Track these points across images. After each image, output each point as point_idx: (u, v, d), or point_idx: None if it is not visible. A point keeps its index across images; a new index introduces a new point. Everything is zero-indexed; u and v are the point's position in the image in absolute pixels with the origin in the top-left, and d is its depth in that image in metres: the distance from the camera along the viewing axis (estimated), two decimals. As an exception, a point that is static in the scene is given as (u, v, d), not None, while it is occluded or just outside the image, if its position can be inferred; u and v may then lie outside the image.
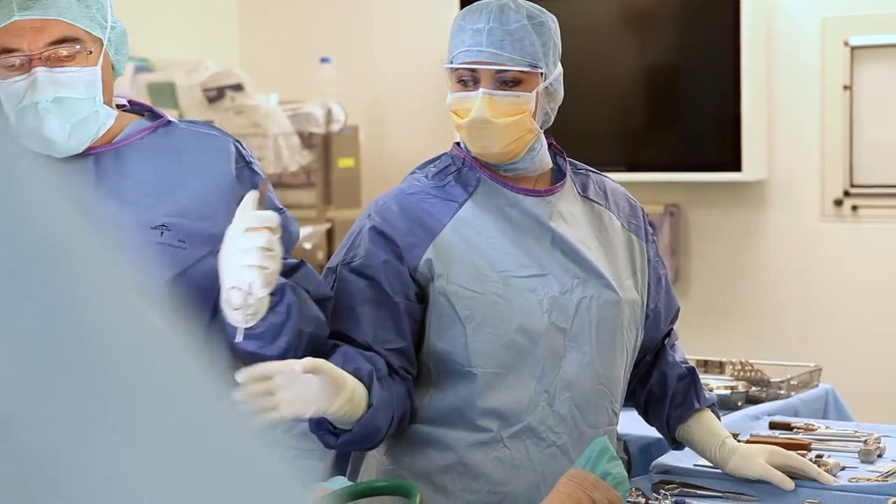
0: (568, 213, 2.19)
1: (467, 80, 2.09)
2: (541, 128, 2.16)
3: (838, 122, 4.34)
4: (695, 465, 2.42)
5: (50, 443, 0.47)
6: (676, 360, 2.38)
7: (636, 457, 2.59)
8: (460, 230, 2.12)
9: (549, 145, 2.23)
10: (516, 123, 2.09)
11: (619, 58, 4.53)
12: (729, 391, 2.92)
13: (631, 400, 2.39)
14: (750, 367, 3.05)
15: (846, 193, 4.35)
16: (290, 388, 1.83)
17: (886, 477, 2.28)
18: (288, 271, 2.00)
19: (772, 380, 3.00)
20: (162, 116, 2.05)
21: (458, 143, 2.24)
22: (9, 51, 1.88)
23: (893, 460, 2.41)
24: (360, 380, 1.97)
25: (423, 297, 2.11)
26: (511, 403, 2.10)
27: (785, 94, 4.41)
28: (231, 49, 5.33)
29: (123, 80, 4.75)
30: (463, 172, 2.18)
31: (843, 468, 2.35)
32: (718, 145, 4.40)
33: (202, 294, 1.96)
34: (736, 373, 3.06)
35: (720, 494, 2.25)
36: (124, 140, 1.98)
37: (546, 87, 2.13)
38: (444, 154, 2.25)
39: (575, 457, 2.07)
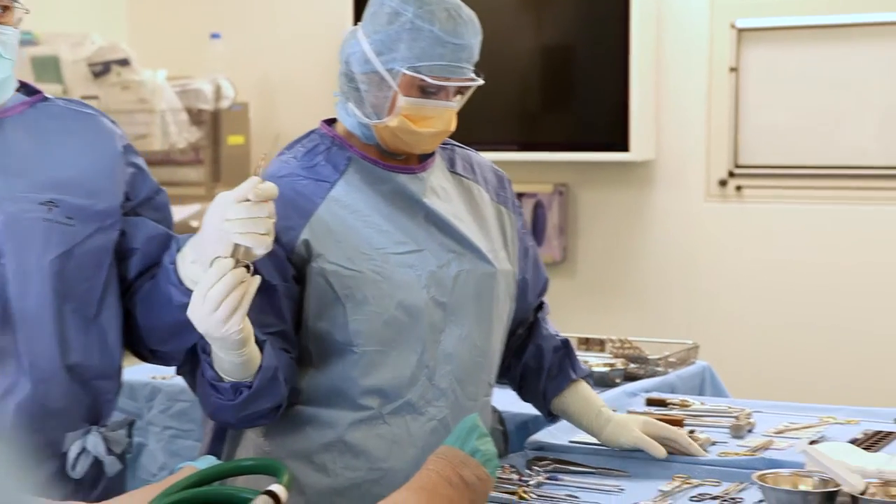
0: (440, 188, 2.19)
1: (432, 89, 2.07)
2: None
3: (724, 104, 4.40)
4: (570, 441, 2.44)
5: None
6: (550, 333, 2.42)
7: (513, 434, 2.61)
8: (334, 210, 2.11)
9: None
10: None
11: (514, 38, 4.53)
12: (608, 368, 2.95)
13: (505, 375, 2.40)
14: (629, 345, 3.09)
15: (731, 174, 4.42)
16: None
17: (755, 451, 2.33)
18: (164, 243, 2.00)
19: (650, 357, 3.04)
20: (38, 91, 2.02)
21: (326, 122, 2.22)
22: None
23: (763, 435, 2.46)
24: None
25: (300, 278, 2.10)
26: (392, 380, 2.10)
27: (673, 75, 4.45)
28: (120, 23, 5.23)
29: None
30: (332, 152, 2.16)
31: (714, 443, 2.39)
32: (607, 126, 4.44)
33: (90, 271, 1.95)
34: (615, 350, 3.09)
35: (592, 470, 2.27)
36: (4, 112, 1.94)
37: None
38: (311, 133, 2.21)
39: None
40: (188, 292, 1.89)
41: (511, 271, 2.27)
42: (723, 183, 4.42)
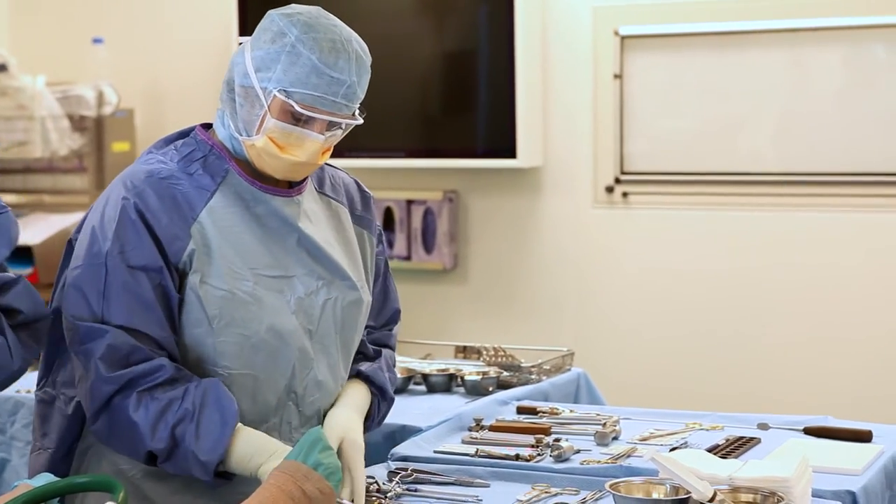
0: (312, 212, 2.15)
1: (302, 118, 2.01)
2: None
3: (609, 111, 4.41)
4: (435, 451, 2.42)
5: None
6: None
7: (380, 444, 2.57)
8: (213, 222, 2.05)
9: None
10: (326, 157, 2.08)
11: (403, 46, 4.50)
12: (480, 377, 2.93)
13: None
14: (503, 353, 3.07)
15: (617, 180, 4.43)
16: None
17: (616, 459, 2.32)
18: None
19: (523, 365, 3.02)
20: None
21: (203, 127, 2.15)
22: None
23: (628, 442, 2.45)
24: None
25: (180, 288, 2.04)
26: (259, 404, 2.06)
27: (559, 82, 4.46)
28: (0, 27, 5.10)
29: None
30: (210, 161, 2.09)
31: (578, 451, 2.38)
32: (494, 132, 4.43)
33: None
34: (489, 358, 3.07)
35: (453, 481, 2.25)
36: None
37: None
38: (186, 136, 2.14)
39: None
40: None
41: (370, 301, 2.23)
42: (609, 189, 4.43)
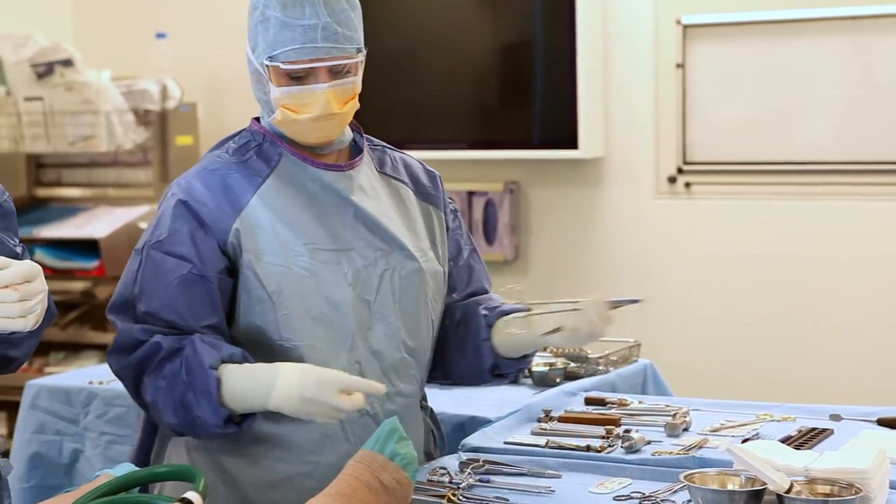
0: (369, 187, 2.19)
1: (300, 75, 2.06)
2: None
3: (671, 100, 4.39)
4: (504, 442, 2.42)
5: None
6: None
7: (449, 436, 2.58)
8: (265, 204, 2.11)
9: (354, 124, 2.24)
10: (351, 109, 2.11)
11: (463, 36, 4.51)
12: (547, 368, 2.93)
13: (442, 365, 2.36)
14: (570, 344, 3.06)
15: (679, 170, 4.41)
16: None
17: (688, 450, 2.31)
18: None
19: (590, 356, 3.02)
20: None
21: (256, 119, 2.22)
22: None
23: (699, 434, 2.44)
24: (239, 362, 2.03)
25: (233, 271, 2.10)
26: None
27: (620, 72, 4.44)
28: (64, 24, 5.17)
29: (-54, 55, 4.59)
30: (264, 148, 2.16)
31: (649, 442, 2.38)
32: (555, 123, 4.42)
33: None
34: (555, 350, 3.07)
35: (524, 471, 2.25)
36: None
37: (361, 63, 2.13)
38: (242, 130, 2.22)
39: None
40: None
41: (440, 271, 2.27)
42: (672, 180, 4.41)
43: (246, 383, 2.00)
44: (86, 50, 4.81)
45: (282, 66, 2.05)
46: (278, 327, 2.09)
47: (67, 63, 4.56)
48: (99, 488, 1.79)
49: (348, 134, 2.21)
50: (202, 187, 2.11)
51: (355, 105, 2.12)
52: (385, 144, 2.31)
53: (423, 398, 2.36)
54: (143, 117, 4.69)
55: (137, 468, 1.89)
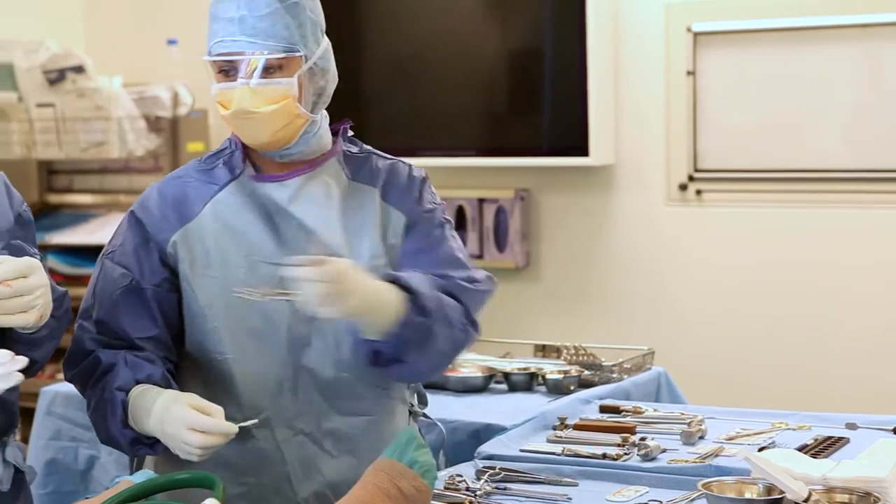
0: (315, 195, 2.11)
1: (228, 69, 2.03)
2: (315, 109, 2.11)
3: (682, 108, 4.39)
4: (520, 450, 2.43)
5: None
6: None
7: (464, 443, 2.59)
8: (217, 213, 2.09)
9: (340, 130, 2.19)
10: (280, 111, 2.03)
11: (473, 43, 4.51)
12: (562, 375, 2.94)
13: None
14: (584, 352, 3.07)
15: (690, 178, 4.41)
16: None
17: (704, 458, 2.31)
18: None
19: (604, 363, 3.02)
20: None
21: None
22: None
23: (714, 442, 2.45)
24: (157, 384, 2.00)
25: (176, 284, 2.10)
26: (257, 390, 2.07)
27: (631, 79, 4.44)
28: (76, 30, 5.18)
29: (-41, 61, 4.60)
30: (234, 156, 2.13)
31: (665, 450, 2.38)
32: (566, 130, 4.42)
33: None
34: (570, 357, 3.07)
35: (541, 479, 2.25)
36: None
37: (310, 68, 2.07)
38: (229, 139, 2.19)
39: (328, 445, 2.08)
40: (13, 329, 1.91)
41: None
42: (683, 187, 4.41)
43: (136, 407, 1.98)
44: (97, 56, 4.82)
45: (208, 59, 2.04)
46: (212, 340, 2.07)
47: (79, 69, 4.57)
48: (119, 494, 1.80)
49: (321, 141, 2.13)
50: (157, 196, 2.11)
51: (285, 109, 2.03)
52: (374, 151, 2.22)
53: (420, 405, 2.28)
54: (154, 124, 4.69)
55: (157, 475, 1.89)
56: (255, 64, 2.00)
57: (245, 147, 2.12)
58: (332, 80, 2.14)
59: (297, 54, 2.03)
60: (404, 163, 2.21)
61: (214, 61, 2.03)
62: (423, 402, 2.31)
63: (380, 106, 4.64)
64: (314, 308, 1.91)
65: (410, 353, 2.01)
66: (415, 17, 4.58)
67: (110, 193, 4.85)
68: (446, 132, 4.60)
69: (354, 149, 2.19)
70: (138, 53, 5.03)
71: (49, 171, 4.93)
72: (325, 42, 2.11)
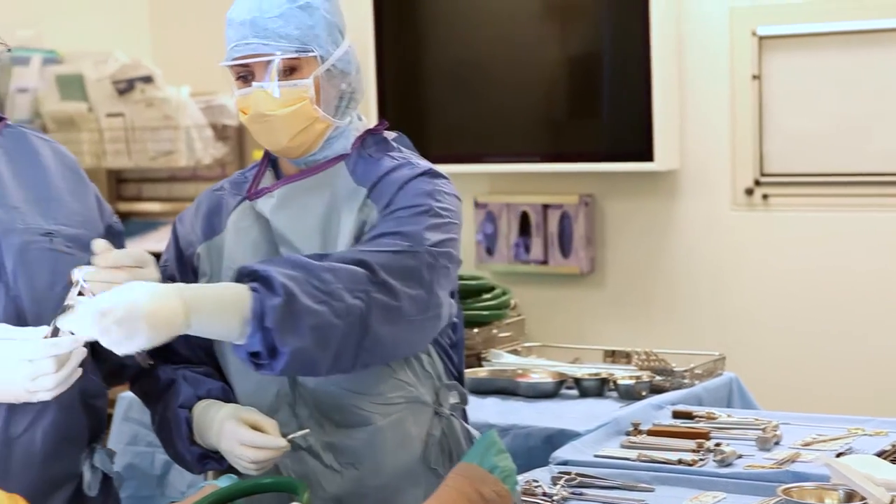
0: (303, 204, 2.04)
1: (245, 75, 2.01)
2: (338, 113, 2.06)
3: (748, 112, 4.37)
4: (595, 455, 2.43)
5: None
6: None
7: (538, 449, 2.60)
8: (235, 225, 2.07)
9: (373, 131, 2.12)
10: (297, 113, 1.99)
11: (536, 49, 4.52)
12: (633, 381, 2.94)
13: None
14: (655, 357, 3.07)
15: (757, 182, 4.38)
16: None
17: (781, 464, 2.31)
18: None
19: (676, 369, 3.02)
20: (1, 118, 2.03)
21: None
22: None
23: (790, 447, 2.44)
24: (218, 398, 2.01)
25: None
26: (257, 405, 2.01)
27: (695, 84, 4.43)
28: (143, 40, 5.25)
29: (31, 73, 4.68)
30: (265, 166, 2.12)
31: (741, 456, 2.38)
32: (631, 136, 4.41)
33: None
34: (641, 363, 3.07)
35: (617, 485, 2.26)
36: None
37: (328, 70, 2.02)
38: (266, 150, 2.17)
39: (329, 459, 2.02)
40: None
41: None
42: (749, 192, 4.39)
43: (200, 423, 1.98)
44: (164, 66, 4.88)
45: (224, 64, 2.03)
46: (222, 349, 2.05)
47: (148, 80, 4.63)
48: (205, 498, 1.82)
49: (346, 144, 2.07)
50: (193, 208, 2.13)
51: (301, 112, 1.99)
52: (391, 154, 2.09)
53: (458, 405, 2.14)
54: (221, 132, 4.74)
55: (240, 479, 1.92)
56: (270, 66, 1.96)
57: (276, 159, 2.10)
58: (356, 83, 2.08)
59: (312, 55, 1.99)
60: (413, 162, 2.07)
61: (232, 67, 2.01)
62: (464, 400, 2.15)
63: (442, 113, 4.66)
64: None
65: (285, 342, 1.80)
66: (475, 24, 4.59)
67: (178, 201, 4.90)
68: (509, 138, 4.61)
69: (376, 152, 2.09)
70: (204, 62, 5.07)
71: (118, 180, 4.99)
72: (346, 44, 2.06)
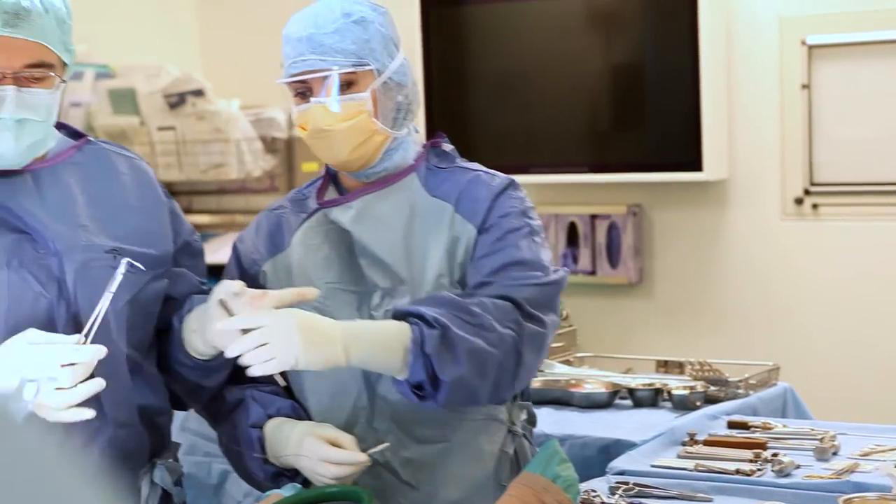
0: (383, 215, 2.06)
1: (304, 91, 2.02)
2: (395, 125, 2.07)
3: (797, 121, 4.36)
4: (651, 465, 2.43)
5: None
6: None
7: (594, 458, 2.60)
8: (303, 242, 2.08)
9: (433, 144, 2.15)
10: (355, 127, 2.01)
11: (583, 59, 4.53)
12: (688, 391, 2.93)
13: None
14: (709, 367, 3.07)
15: (806, 192, 4.37)
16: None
17: (840, 474, 2.30)
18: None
19: (730, 379, 3.02)
20: (77, 132, 2.05)
21: None
22: None
23: (849, 458, 2.42)
24: (289, 416, 2.02)
25: None
26: (333, 420, 2.04)
27: (744, 93, 4.42)
28: (193, 54, 5.31)
29: (84, 87, 4.73)
30: (326, 184, 2.14)
31: (799, 466, 2.37)
32: (679, 145, 4.41)
33: (146, 317, 1.99)
34: (695, 373, 3.07)
35: (676, 495, 2.26)
36: (56, 158, 1.97)
37: (385, 83, 2.03)
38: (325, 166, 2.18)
39: (406, 475, 2.03)
40: (195, 361, 1.96)
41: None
42: (799, 201, 4.38)
43: (273, 442, 1.99)
44: (214, 80, 4.93)
45: (285, 81, 2.03)
46: (292, 372, 2.04)
47: (199, 93, 4.68)
48: (272, 507, 1.85)
49: (406, 156, 2.09)
50: (254, 227, 2.15)
51: (360, 125, 2.00)
52: (464, 165, 2.12)
53: (527, 421, 2.19)
54: (270, 144, 4.79)
55: (305, 488, 1.94)
56: (327, 81, 1.97)
57: (336, 174, 2.12)
58: (413, 94, 2.09)
59: (368, 68, 2.00)
60: (489, 173, 2.10)
61: (290, 84, 2.03)
62: (532, 422, 2.22)
63: (488, 124, 4.67)
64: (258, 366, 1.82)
65: (445, 370, 1.86)
66: (520, 35, 4.61)
67: (227, 213, 4.95)
68: (556, 148, 4.62)
69: (443, 163, 2.12)
70: (254, 76, 5.13)
71: (169, 193, 5.04)
72: (401, 56, 2.08)
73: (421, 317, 1.87)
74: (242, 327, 1.81)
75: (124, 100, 4.71)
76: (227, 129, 4.65)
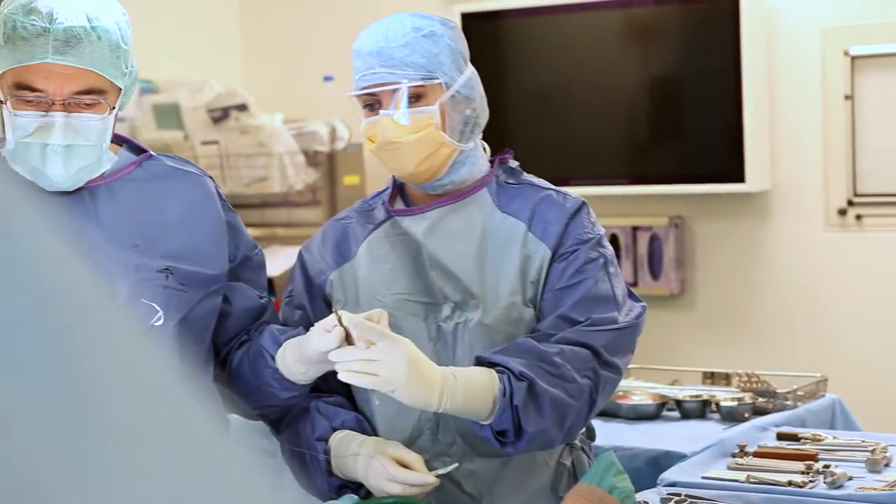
0: (457, 229, 2.08)
1: (372, 104, 2.05)
2: (463, 138, 2.08)
3: (840, 132, 4.35)
4: (702, 477, 2.43)
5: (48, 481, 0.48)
6: None
7: (643, 470, 2.60)
8: (370, 252, 2.10)
9: (501, 160, 2.16)
10: (423, 139, 2.02)
11: (622, 71, 4.54)
12: (736, 403, 2.93)
13: None
14: (756, 379, 3.06)
15: (850, 203, 4.36)
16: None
17: (893, 486, 2.29)
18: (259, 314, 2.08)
19: (778, 391, 3.01)
20: (140, 148, 2.07)
21: None
22: (31, 89, 1.87)
23: (901, 469, 2.42)
24: (353, 429, 2.04)
25: None
26: (398, 431, 2.05)
27: (786, 104, 4.42)
28: (235, 69, 5.35)
29: (128, 102, 4.78)
30: (396, 193, 2.16)
31: (851, 478, 2.36)
32: (721, 157, 4.41)
33: (199, 335, 2.00)
34: (742, 384, 3.07)
35: (728, 506, 2.26)
36: (115, 174, 1.99)
37: (453, 96, 2.05)
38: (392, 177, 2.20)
39: (469, 487, 2.04)
40: (286, 384, 1.99)
41: (522, 317, 2.06)
42: (842, 212, 4.36)
43: (339, 456, 2.00)
44: (256, 94, 4.97)
45: (355, 94, 2.05)
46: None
47: (242, 108, 4.71)
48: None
49: (473, 170, 2.10)
50: (320, 238, 2.17)
51: (428, 137, 2.01)
52: (535, 182, 2.15)
53: (586, 436, 2.22)
54: (312, 158, 4.81)
55: (360, 500, 1.95)
56: (397, 94, 2.00)
57: (402, 185, 2.13)
58: (480, 108, 2.11)
59: (437, 82, 2.02)
60: (560, 192, 2.12)
61: (360, 97, 2.05)
62: (590, 436, 2.24)
63: (527, 137, 4.69)
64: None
65: (529, 421, 1.91)
66: (559, 48, 4.63)
67: (269, 227, 4.97)
68: (596, 160, 4.62)
69: (512, 179, 2.13)
70: (296, 90, 5.17)
71: (223, 207, 5.07)
72: (469, 70, 2.10)
73: (507, 368, 1.92)
74: (360, 358, 1.85)
75: (168, 115, 4.75)
76: (269, 142, 4.69)
